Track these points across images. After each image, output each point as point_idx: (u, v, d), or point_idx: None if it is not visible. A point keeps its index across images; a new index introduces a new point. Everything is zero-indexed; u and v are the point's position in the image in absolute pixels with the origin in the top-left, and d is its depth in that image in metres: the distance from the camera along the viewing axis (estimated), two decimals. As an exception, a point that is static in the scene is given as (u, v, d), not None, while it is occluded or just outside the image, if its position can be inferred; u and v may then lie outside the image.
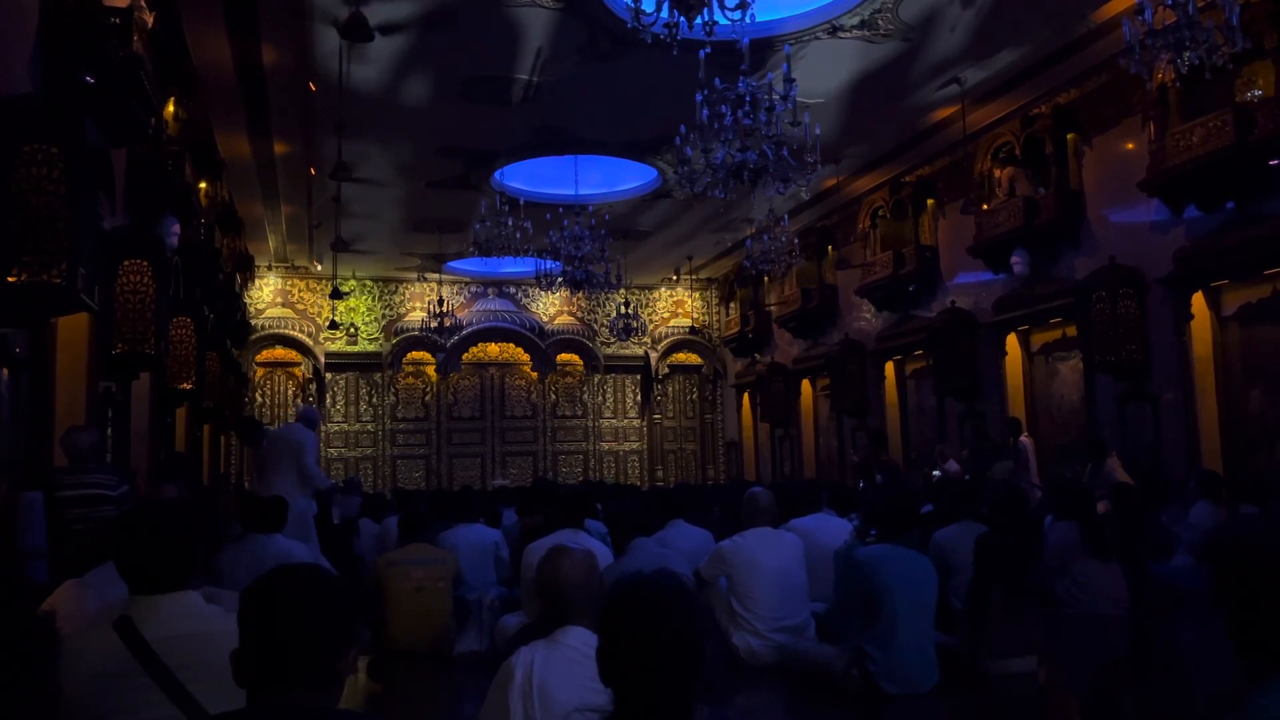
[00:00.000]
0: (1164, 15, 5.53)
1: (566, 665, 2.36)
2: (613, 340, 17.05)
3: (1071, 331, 9.44)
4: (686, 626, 1.66)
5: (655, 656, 1.62)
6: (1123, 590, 5.13)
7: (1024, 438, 9.44)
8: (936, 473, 10.18)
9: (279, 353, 16.38)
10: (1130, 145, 8.62)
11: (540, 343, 17.20)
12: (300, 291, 16.48)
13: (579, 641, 2.41)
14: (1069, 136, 9.37)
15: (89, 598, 3.18)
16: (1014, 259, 9.72)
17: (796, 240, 10.70)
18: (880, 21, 7.80)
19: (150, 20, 6.25)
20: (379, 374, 16.89)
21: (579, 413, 18.09)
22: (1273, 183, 7.22)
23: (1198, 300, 8.04)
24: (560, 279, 10.91)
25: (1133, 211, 8.58)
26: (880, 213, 12.44)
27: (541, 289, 13.55)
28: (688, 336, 18.30)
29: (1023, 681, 4.08)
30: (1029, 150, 9.72)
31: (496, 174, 11.37)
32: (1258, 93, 7.29)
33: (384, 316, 17.01)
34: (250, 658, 1.53)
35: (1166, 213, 8.11)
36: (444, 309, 14.56)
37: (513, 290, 17.50)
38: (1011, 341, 10.37)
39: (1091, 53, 8.34)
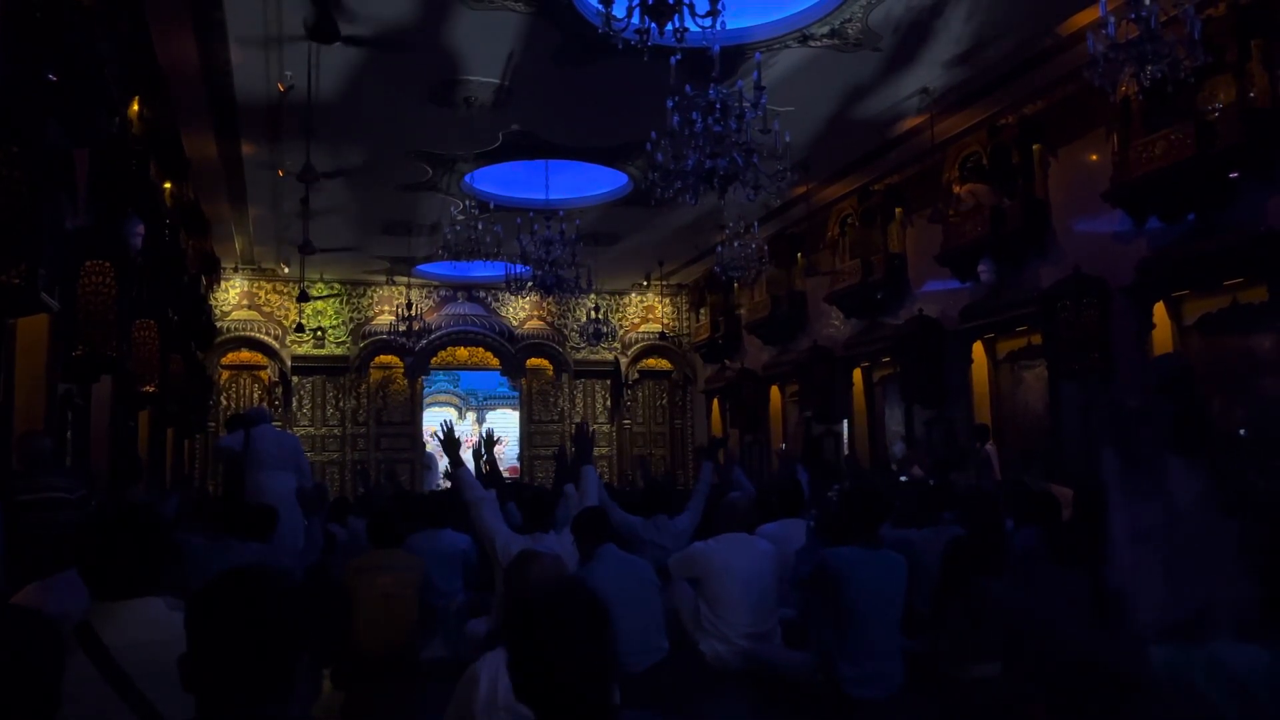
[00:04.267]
0: (1127, 29, 5.62)
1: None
2: (583, 345, 17.03)
3: (1037, 339, 9.55)
4: (598, 638, 1.66)
5: (569, 670, 1.61)
6: (1085, 595, 5.18)
7: (989, 445, 9.54)
8: (904, 477, 10.26)
9: (245, 355, 16.20)
10: (1094, 156, 8.74)
11: (510, 347, 17.14)
12: (267, 294, 16.32)
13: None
14: (1034, 147, 9.49)
15: (49, 602, 3.12)
16: (980, 267, 9.83)
17: (766, 247, 10.75)
18: (850, 30, 7.86)
19: (111, 14, 6.17)
20: (345, 377, 16.74)
21: (555, 417, 18.05)
22: (1233, 195, 7.36)
23: (1159, 310, 8.16)
24: (530, 283, 10.88)
25: (1097, 222, 8.70)
26: (849, 221, 12.53)
27: (511, 293, 13.51)
28: (658, 342, 18.32)
29: (986, 687, 4.11)
30: (995, 160, 9.83)
31: (467, 178, 11.33)
32: (1219, 106, 7.42)
33: (352, 320, 16.88)
34: (197, 663, 1.51)
35: (1129, 223, 8.24)
36: (413, 313, 14.47)
37: (482, 294, 17.43)
38: (978, 349, 10.48)
39: (1057, 65, 8.44)
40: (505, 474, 13.43)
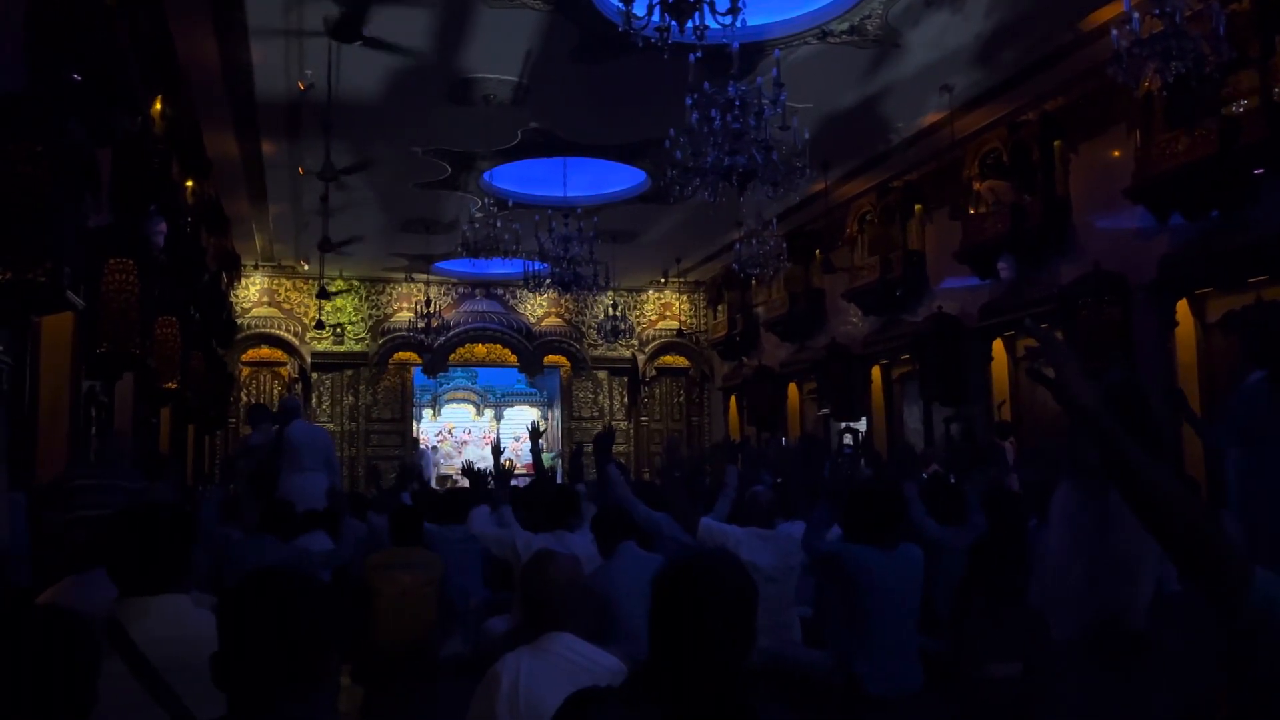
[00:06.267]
0: (1151, 24, 5.58)
1: (554, 673, 2.35)
2: (600, 342, 17.04)
3: (1058, 337, 9.47)
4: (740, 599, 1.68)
5: (708, 624, 1.63)
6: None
7: (1009, 442, 9.47)
8: (923, 475, 10.20)
9: (265, 352, 16.28)
10: (1116, 153, 8.67)
11: (528, 344, 17.16)
12: (287, 291, 16.41)
13: (566, 648, 2.40)
14: (1055, 143, 9.41)
15: (78, 599, 3.15)
16: (1000, 265, 9.77)
17: (784, 244, 10.72)
18: (869, 27, 7.83)
19: (133, 14, 6.21)
20: (350, 373, 16.80)
21: (594, 414, 18.07)
22: (1257, 191, 7.28)
23: (1182, 307, 8.09)
24: (548, 280, 10.89)
25: (1118, 218, 8.63)
26: (868, 217, 12.47)
27: (529, 290, 13.52)
28: (675, 339, 18.30)
29: (1006, 687, 4.10)
30: (1016, 157, 9.76)
31: (485, 175, 11.35)
32: (1243, 102, 7.34)
33: (371, 317, 16.95)
34: (228, 661, 1.52)
35: (1152, 220, 8.16)
36: (431, 310, 14.51)
37: (501, 292, 17.46)
38: (997, 347, 10.42)
39: (1078, 60, 8.38)
40: (523, 470, 13.42)
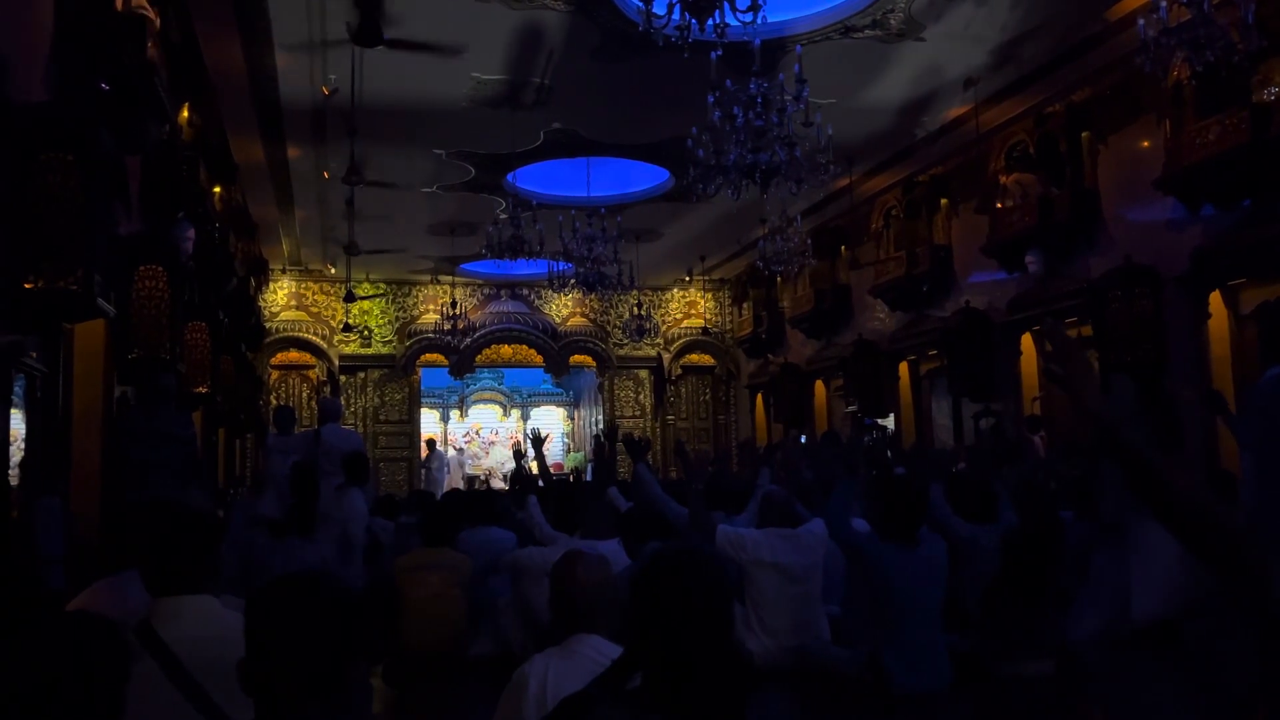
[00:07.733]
0: (1179, 13, 5.50)
1: (581, 674, 2.35)
2: (625, 341, 17.04)
3: (1087, 331, 9.36)
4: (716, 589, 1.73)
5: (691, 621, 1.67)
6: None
7: (1039, 436, 9.39)
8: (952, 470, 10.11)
9: (293, 355, 16.42)
10: (1145, 143, 8.56)
11: (553, 344, 17.20)
12: (314, 295, 16.54)
13: (593, 650, 2.40)
14: (1083, 135, 9.30)
15: (113, 602, 3.19)
16: (1028, 258, 9.68)
17: (809, 240, 10.66)
18: (892, 21, 7.78)
19: (160, 23, 6.28)
20: (372, 373, 16.91)
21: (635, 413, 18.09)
22: (1290, 180, 7.17)
23: (1215, 299, 7.97)
24: (573, 281, 10.91)
25: (1148, 210, 8.52)
26: (893, 212, 12.39)
27: (554, 291, 13.55)
28: (700, 337, 18.27)
29: (1038, 684, 4.06)
30: (1043, 149, 9.66)
31: (509, 176, 11.39)
32: (1274, 89, 7.22)
33: (398, 319, 17.05)
34: (255, 666, 1.53)
35: (1183, 211, 8.05)
36: (457, 311, 14.58)
37: (526, 292, 17.50)
38: (1026, 341, 10.31)
39: (1105, 50, 8.28)
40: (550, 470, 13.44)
